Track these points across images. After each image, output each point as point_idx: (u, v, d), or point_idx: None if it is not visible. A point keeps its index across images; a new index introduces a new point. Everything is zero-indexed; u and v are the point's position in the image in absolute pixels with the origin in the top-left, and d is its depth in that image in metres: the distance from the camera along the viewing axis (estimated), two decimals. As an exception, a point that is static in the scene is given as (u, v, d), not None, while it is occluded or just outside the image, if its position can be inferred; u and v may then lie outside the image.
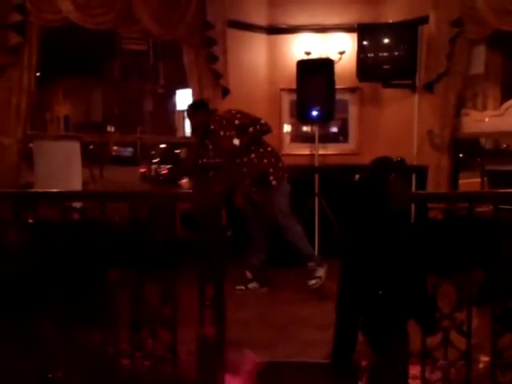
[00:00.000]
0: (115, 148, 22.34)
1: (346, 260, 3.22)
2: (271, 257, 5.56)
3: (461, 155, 6.35)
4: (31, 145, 5.24)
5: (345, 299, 3.14)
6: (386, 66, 5.79)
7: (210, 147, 4.81)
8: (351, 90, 6.30)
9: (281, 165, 4.97)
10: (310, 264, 4.85)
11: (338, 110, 6.16)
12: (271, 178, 4.84)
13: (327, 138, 6.38)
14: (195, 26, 5.48)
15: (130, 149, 22.69)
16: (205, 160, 4.43)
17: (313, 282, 4.75)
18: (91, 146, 17.96)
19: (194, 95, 5.72)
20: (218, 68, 5.65)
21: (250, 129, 4.75)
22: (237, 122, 4.79)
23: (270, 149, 4.96)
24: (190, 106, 5.07)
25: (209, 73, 5.65)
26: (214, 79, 5.68)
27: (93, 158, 16.30)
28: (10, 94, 4.72)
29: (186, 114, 5.20)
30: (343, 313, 3.13)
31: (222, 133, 4.75)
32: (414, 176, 5.73)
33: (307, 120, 6.14)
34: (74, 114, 24.02)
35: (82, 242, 3.11)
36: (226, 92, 5.81)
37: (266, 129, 4.85)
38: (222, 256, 3.16)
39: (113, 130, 20.20)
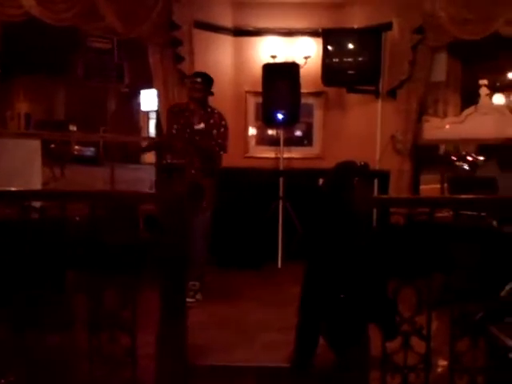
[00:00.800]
0: (77, 147, 21.89)
1: (308, 263, 3.24)
2: (226, 258, 5.55)
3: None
4: (-11, 142, 5.09)
5: (307, 302, 3.15)
6: (350, 72, 5.83)
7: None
8: (316, 95, 6.34)
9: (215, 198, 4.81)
10: (194, 283, 4.64)
11: (303, 114, 6.18)
12: (204, 201, 4.65)
13: (292, 142, 6.40)
14: (161, 25, 5.43)
15: (92, 148, 22.29)
16: (168, 160, 4.32)
17: (190, 300, 4.38)
18: (52, 145, 17.54)
19: (159, 95, 5.65)
20: (183, 68, 5.60)
21: (212, 142, 4.64)
22: (214, 131, 4.70)
23: (215, 179, 4.79)
24: (200, 76, 4.81)
25: (174, 73, 5.59)
26: (179, 79, 5.62)
27: (54, 156, 15.93)
28: (-33, 90, 4.57)
29: (190, 80, 4.89)
30: (305, 316, 3.14)
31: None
32: (376, 180, 5.78)
33: (272, 123, 6.15)
34: (36, 112, 23.53)
35: (41, 243, 3.03)
36: (191, 93, 5.75)
37: (214, 157, 4.68)
38: (184, 259, 3.12)
39: (75, 129, 19.81)
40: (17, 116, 23.58)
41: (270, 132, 6.50)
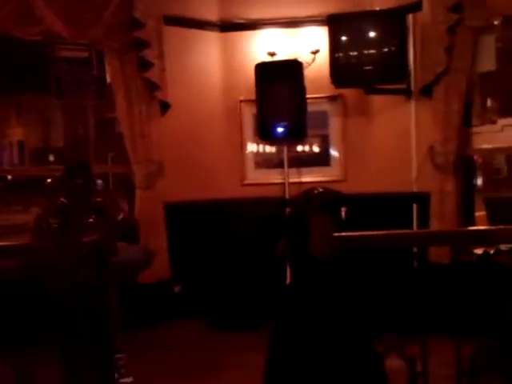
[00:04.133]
0: (81, 182, 22.40)
1: (275, 326, 3.07)
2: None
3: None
4: None
5: (273, 375, 2.95)
6: (368, 67, 5.66)
7: None
8: (330, 99, 6.20)
9: None
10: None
11: (315, 125, 6.08)
12: None
13: (302, 162, 6.24)
14: (118, 24, 5.43)
15: (100, 181, 22.73)
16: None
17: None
18: (49, 180, 17.91)
19: (120, 113, 5.60)
20: (152, 77, 5.59)
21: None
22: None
23: None
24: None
25: (140, 83, 5.59)
26: (147, 91, 5.61)
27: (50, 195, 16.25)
28: None
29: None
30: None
31: None
32: (415, 206, 5.72)
33: (271, 138, 6.02)
34: (31, 139, 24.23)
35: None
36: (165, 107, 5.77)
37: None
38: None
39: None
40: (9, 145, 24.35)
41: (273, 150, 6.33)
